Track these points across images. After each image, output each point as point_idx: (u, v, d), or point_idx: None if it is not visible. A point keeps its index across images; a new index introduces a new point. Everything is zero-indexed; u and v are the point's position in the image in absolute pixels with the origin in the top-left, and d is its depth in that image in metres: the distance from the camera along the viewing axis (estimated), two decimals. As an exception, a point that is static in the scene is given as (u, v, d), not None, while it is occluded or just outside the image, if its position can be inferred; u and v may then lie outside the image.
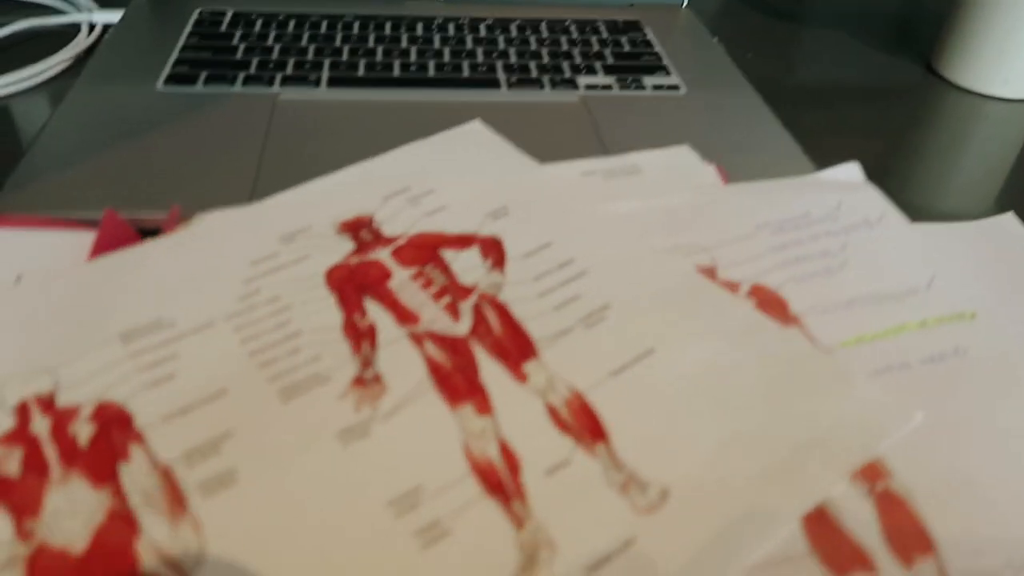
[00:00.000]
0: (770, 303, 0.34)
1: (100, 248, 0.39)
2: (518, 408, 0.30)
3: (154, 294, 0.35)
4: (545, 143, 0.46)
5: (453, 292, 0.35)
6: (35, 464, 0.28)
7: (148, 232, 0.41)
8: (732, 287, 0.35)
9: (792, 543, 0.25)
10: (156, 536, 0.26)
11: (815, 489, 0.27)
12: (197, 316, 0.34)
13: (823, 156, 0.47)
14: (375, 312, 0.35)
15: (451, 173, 0.43)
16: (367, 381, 0.31)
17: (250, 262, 0.37)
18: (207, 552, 0.25)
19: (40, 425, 0.29)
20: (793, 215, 0.39)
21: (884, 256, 0.37)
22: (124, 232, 0.41)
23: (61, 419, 0.29)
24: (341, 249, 0.38)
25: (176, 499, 0.27)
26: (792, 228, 0.38)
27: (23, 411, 0.30)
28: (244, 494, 0.27)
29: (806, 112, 0.55)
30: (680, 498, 0.27)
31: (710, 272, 0.36)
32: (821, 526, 0.26)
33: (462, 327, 0.34)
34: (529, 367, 0.32)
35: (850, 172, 0.43)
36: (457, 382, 0.31)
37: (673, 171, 0.44)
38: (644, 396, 0.30)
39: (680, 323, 0.33)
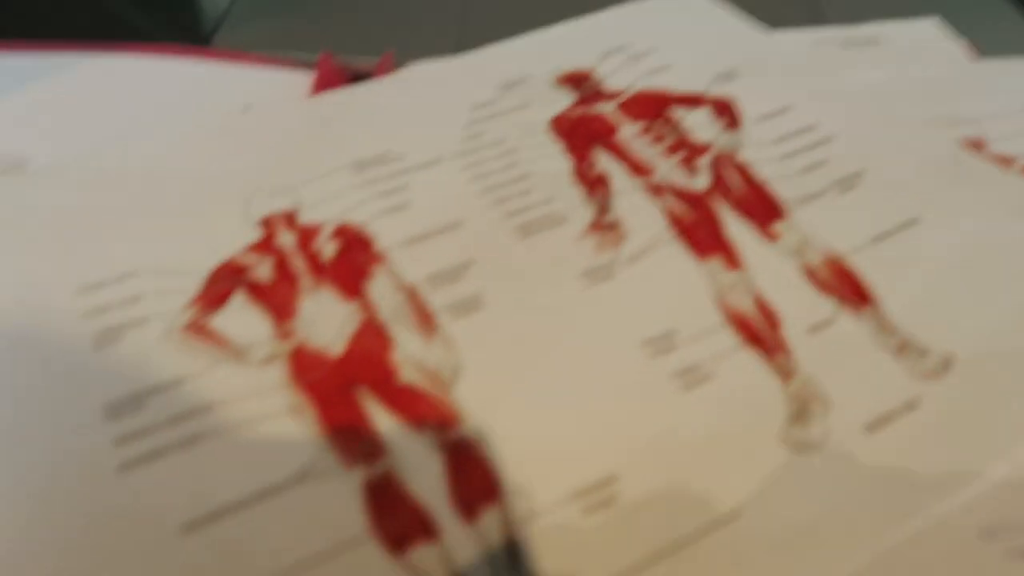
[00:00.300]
0: (1053, 179, 0.31)
1: (319, 88, 0.39)
2: (771, 265, 0.28)
3: (381, 128, 0.35)
4: (760, 7, 0.43)
5: (687, 148, 0.33)
6: (285, 273, 0.28)
7: (359, 77, 0.40)
8: (1005, 161, 0.32)
9: None
10: (411, 349, 0.25)
11: None
12: (425, 152, 0.33)
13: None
14: (605, 162, 0.33)
15: (671, 32, 0.41)
16: (605, 226, 0.30)
17: (471, 106, 0.36)
18: (465, 365, 0.25)
19: (286, 239, 0.29)
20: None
21: None
22: (338, 75, 0.41)
23: (305, 235, 0.29)
24: (561, 101, 0.37)
25: (425, 318, 0.26)
26: (1067, 107, 0.34)
27: (270, 224, 0.30)
28: (494, 318, 0.26)
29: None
30: (968, 365, 0.24)
31: (977, 145, 0.32)
32: None
33: (700, 183, 0.32)
34: (779, 227, 0.30)
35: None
36: (701, 235, 0.29)
37: (918, 45, 0.40)
38: (913, 264, 0.28)
39: (947, 194, 0.30)
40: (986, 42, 0.41)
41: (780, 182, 0.31)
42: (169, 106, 0.38)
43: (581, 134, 0.34)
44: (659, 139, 0.34)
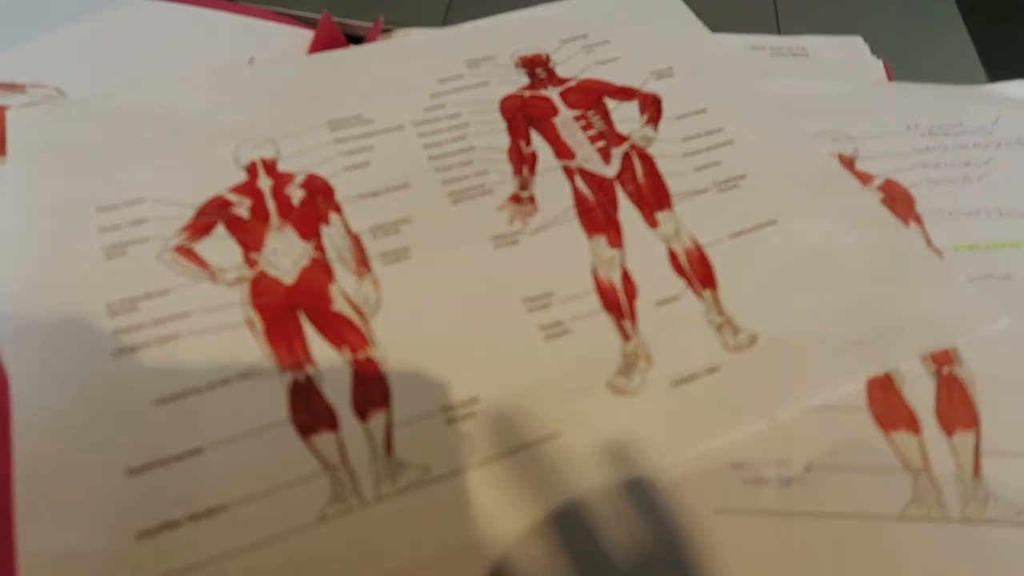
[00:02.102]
0: (898, 198, 0.37)
1: (317, 46, 0.45)
2: (644, 247, 0.35)
3: (358, 92, 0.41)
4: (721, 10, 0.48)
5: (609, 138, 0.40)
6: (259, 212, 0.35)
7: (353, 39, 0.47)
8: (866, 178, 0.38)
9: (854, 398, 0.30)
10: (345, 285, 0.33)
11: (887, 361, 0.31)
12: (391, 117, 0.40)
13: (1001, 70, 0.47)
14: (537, 142, 0.40)
15: (627, 27, 0.46)
16: (523, 200, 0.37)
17: (438, 79, 0.43)
18: (383, 303, 0.32)
19: (264, 183, 0.37)
20: (946, 121, 0.41)
21: (1025, 178, 0.39)
22: (336, 36, 0.47)
23: (280, 181, 0.37)
24: (517, 81, 0.43)
25: (363, 261, 0.34)
26: (942, 134, 0.40)
27: (253, 169, 0.37)
28: (414, 268, 0.34)
29: (1000, 24, 0.54)
30: (766, 345, 0.31)
31: (849, 161, 0.39)
32: (883, 390, 0.30)
33: (611, 170, 0.38)
34: (661, 216, 0.36)
35: (1021, 89, 0.44)
36: (597, 216, 0.36)
37: (840, 59, 0.46)
38: (756, 258, 0.34)
39: (807, 202, 0.37)
40: (926, 60, 0.46)
41: (675, 177, 0.38)
42: (188, 50, 0.45)
43: (524, 115, 0.41)
44: (589, 127, 0.41)
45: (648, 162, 0.39)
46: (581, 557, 0.26)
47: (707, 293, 0.33)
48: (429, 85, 0.42)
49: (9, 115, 0.38)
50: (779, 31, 0.49)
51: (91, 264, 0.33)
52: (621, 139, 0.40)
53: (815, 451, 0.28)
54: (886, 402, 0.30)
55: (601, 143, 0.40)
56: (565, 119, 0.41)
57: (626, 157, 0.39)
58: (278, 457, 0.28)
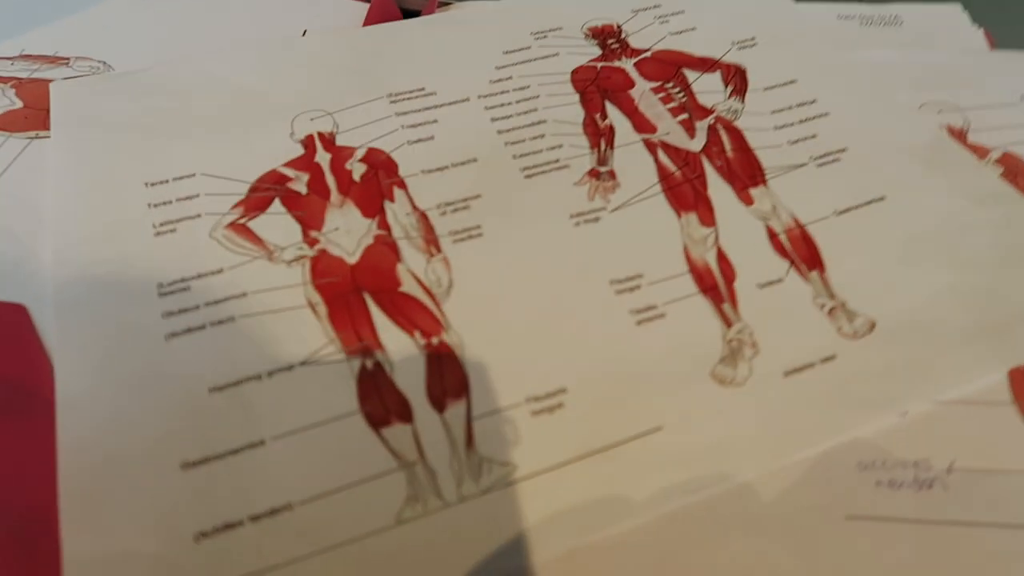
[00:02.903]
0: (1020, 172, 0.33)
1: (371, 19, 0.43)
2: (740, 226, 0.32)
3: (419, 64, 0.38)
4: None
5: (691, 110, 0.37)
6: (318, 188, 0.32)
7: (408, 14, 0.44)
8: (981, 152, 0.34)
9: (996, 391, 0.26)
10: (414, 265, 0.30)
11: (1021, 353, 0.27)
12: (455, 90, 0.37)
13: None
14: (614, 115, 0.36)
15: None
16: (602, 175, 0.34)
17: (503, 51, 0.40)
18: (457, 284, 0.29)
19: (322, 157, 0.34)
20: (1065, 92, 0.37)
21: None
22: (391, 9, 0.44)
23: (339, 155, 0.34)
24: (588, 52, 0.40)
25: (431, 239, 0.31)
26: (1060, 105, 0.36)
27: (310, 143, 0.34)
28: (487, 247, 0.31)
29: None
30: (886, 332, 0.28)
31: (960, 134, 0.35)
32: (1024, 385, 0.27)
33: (696, 143, 0.35)
34: (756, 192, 0.33)
35: None
36: (685, 192, 0.33)
37: (937, 28, 0.42)
38: (867, 237, 0.31)
39: (919, 177, 0.33)
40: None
41: (768, 151, 0.35)
42: (238, 24, 0.42)
43: (598, 87, 0.38)
44: (668, 99, 0.37)
45: (736, 135, 0.35)
46: (689, 568, 0.23)
47: (814, 275, 0.30)
48: (494, 57, 0.39)
49: (53, 88, 0.36)
50: None
51: (140, 242, 0.30)
52: (705, 112, 0.36)
53: (957, 450, 0.25)
54: (1033, 396, 0.26)
55: (683, 116, 0.36)
56: (642, 91, 0.38)
57: (712, 130, 0.36)
58: (347, 451, 0.25)
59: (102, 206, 0.31)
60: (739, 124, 0.36)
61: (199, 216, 0.31)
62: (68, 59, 0.38)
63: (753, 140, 0.35)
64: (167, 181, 0.32)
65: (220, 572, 0.23)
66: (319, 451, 0.25)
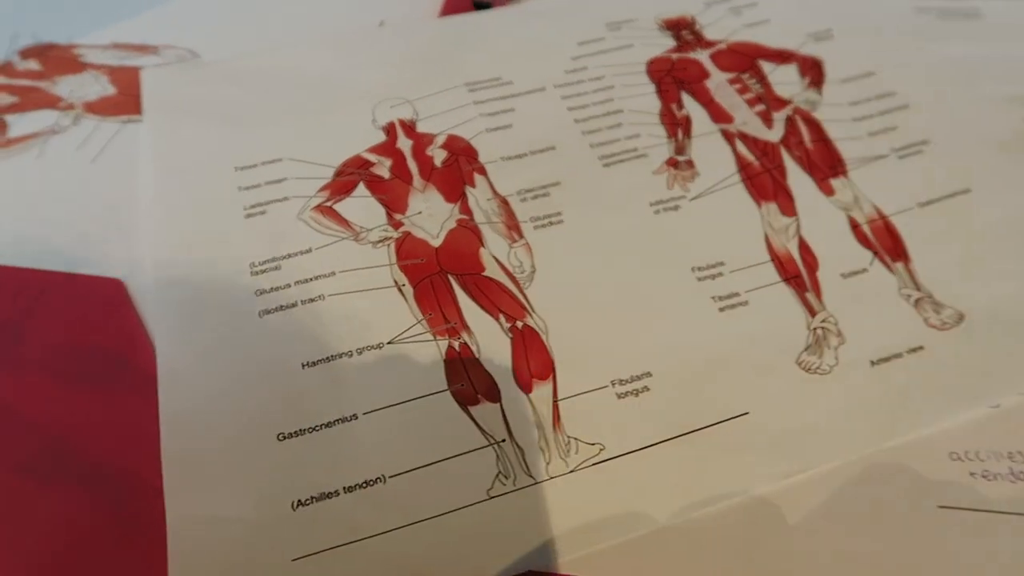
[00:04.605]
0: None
1: (447, 11, 0.43)
2: (822, 216, 0.32)
3: (495, 54, 0.39)
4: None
5: (768, 101, 0.36)
6: (401, 172, 0.33)
7: (480, 6, 0.44)
8: (1067, 146, 0.34)
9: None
10: (496, 250, 0.30)
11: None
12: (531, 79, 0.38)
13: None
14: (690, 106, 0.37)
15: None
16: (680, 164, 0.34)
17: (578, 42, 0.40)
18: (540, 269, 0.30)
19: (404, 143, 0.34)
20: None
21: None
22: (463, 2, 0.45)
23: (420, 142, 0.34)
24: (662, 44, 0.40)
25: (513, 224, 0.31)
26: None
27: (391, 130, 0.35)
28: (569, 233, 0.31)
29: None
30: (976, 323, 0.28)
31: (1044, 128, 0.34)
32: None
33: (774, 134, 0.35)
34: (836, 183, 0.33)
35: None
36: (765, 181, 0.33)
37: (1018, 22, 0.41)
38: (952, 230, 0.31)
39: (1005, 169, 0.33)
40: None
41: (848, 142, 0.35)
42: (318, 14, 0.43)
43: (674, 77, 0.38)
44: (744, 90, 0.37)
45: (815, 127, 0.35)
46: (775, 554, 0.23)
47: (899, 266, 0.30)
48: (569, 47, 0.40)
49: (144, 74, 0.37)
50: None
51: (232, 223, 0.31)
52: (782, 103, 0.36)
53: (1052, 442, 0.24)
54: None
55: (760, 106, 0.36)
56: (719, 82, 0.38)
57: (790, 121, 0.35)
58: (437, 428, 0.25)
59: (195, 188, 0.32)
60: (817, 115, 0.36)
61: (287, 199, 0.32)
62: (156, 47, 0.39)
63: (832, 131, 0.35)
64: (255, 165, 0.33)
65: (315, 539, 0.23)
66: (410, 427, 0.25)
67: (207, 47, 0.40)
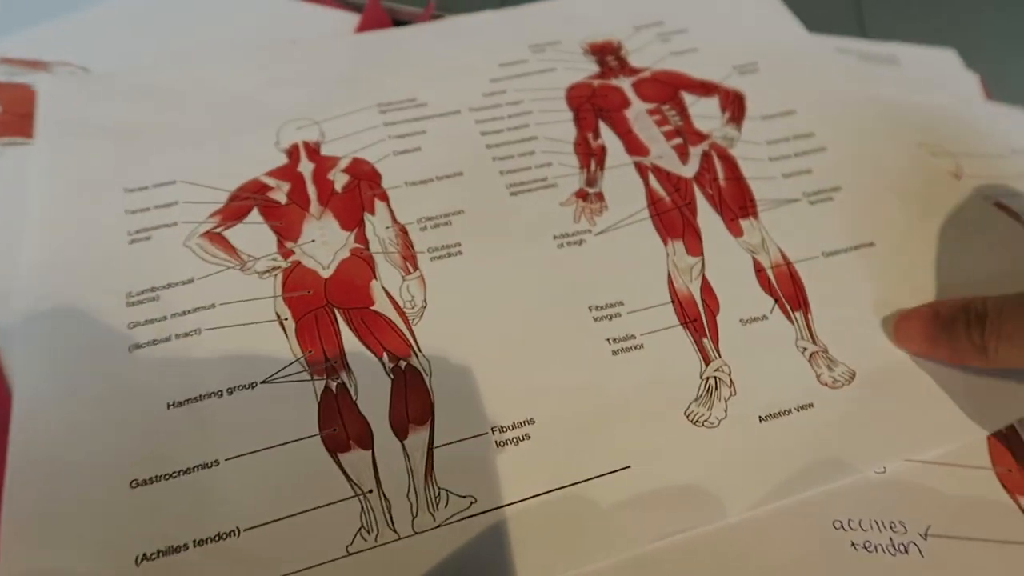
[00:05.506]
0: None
1: (364, 28, 0.42)
2: (727, 257, 0.31)
3: (411, 74, 0.38)
4: (800, 5, 0.44)
5: (686, 135, 0.36)
6: (298, 198, 0.32)
7: (400, 23, 0.43)
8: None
9: (975, 453, 0.25)
10: (389, 283, 0.29)
11: (1014, 412, 0.26)
12: (447, 102, 0.36)
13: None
14: (607, 136, 0.36)
15: (707, 15, 0.42)
16: (590, 196, 0.33)
17: (499, 63, 0.39)
18: (432, 304, 0.29)
19: (305, 167, 0.33)
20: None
21: None
22: (383, 20, 0.43)
23: (323, 165, 0.33)
24: (586, 69, 0.39)
25: (409, 255, 0.30)
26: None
27: (294, 152, 0.33)
28: (466, 266, 0.30)
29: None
30: (867, 383, 0.27)
31: (956, 175, 0.34)
32: (1009, 447, 0.26)
33: (689, 169, 0.34)
34: (745, 223, 0.32)
35: None
36: (674, 218, 0.32)
37: (933, 72, 0.41)
38: (852, 283, 0.30)
39: (910, 223, 0.32)
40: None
41: (761, 182, 0.34)
42: (223, 29, 0.41)
43: (593, 105, 0.37)
44: (664, 122, 0.37)
45: (730, 164, 0.34)
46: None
47: (798, 315, 0.29)
48: (489, 69, 0.39)
49: (40, 87, 0.35)
50: (864, 34, 0.44)
51: (113, 248, 0.30)
52: (700, 137, 0.36)
53: (934, 513, 0.24)
54: (1012, 461, 0.25)
55: (677, 140, 0.35)
56: (638, 112, 0.37)
57: (706, 157, 0.35)
58: (302, 477, 0.24)
59: (81, 211, 0.31)
60: (734, 152, 0.35)
61: (175, 224, 0.31)
62: (47, 63, 0.37)
63: (747, 170, 0.34)
64: (147, 187, 0.32)
65: (161, 597, 0.22)
66: (273, 475, 0.24)
67: (102, 64, 0.38)
